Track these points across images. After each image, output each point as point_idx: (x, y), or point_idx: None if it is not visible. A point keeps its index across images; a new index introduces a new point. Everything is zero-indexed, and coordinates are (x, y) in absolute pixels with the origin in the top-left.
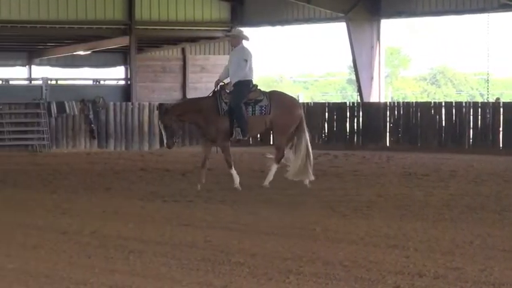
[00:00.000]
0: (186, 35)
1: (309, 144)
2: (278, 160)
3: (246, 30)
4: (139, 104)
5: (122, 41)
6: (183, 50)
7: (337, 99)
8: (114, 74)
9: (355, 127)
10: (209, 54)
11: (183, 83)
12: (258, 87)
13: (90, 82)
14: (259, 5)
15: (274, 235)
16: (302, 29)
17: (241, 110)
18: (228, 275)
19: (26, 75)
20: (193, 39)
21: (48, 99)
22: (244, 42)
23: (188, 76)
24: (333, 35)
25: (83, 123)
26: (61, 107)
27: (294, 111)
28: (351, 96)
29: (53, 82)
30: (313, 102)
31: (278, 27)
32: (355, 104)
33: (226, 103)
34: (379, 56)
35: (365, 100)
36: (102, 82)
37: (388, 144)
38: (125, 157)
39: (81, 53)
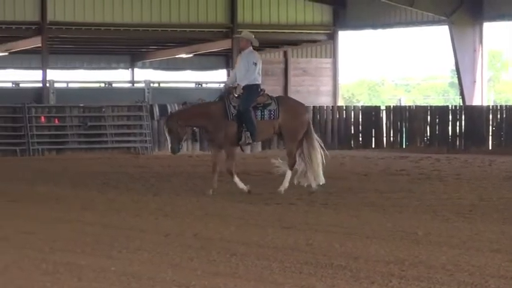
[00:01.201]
0: (288, 38)
1: (321, 148)
2: (291, 166)
3: (348, 33)
4: None
5: (224, 44)
6: (285, 53)
7: (439, 102)
8: (216, 77)
9: (457, 130)
10: (311, 57)
11: (285, 86)
12: (266, 92)
13: (193, 85)
14: (362, 8)
15: (377, 238)
16: (404, 32)
17: (250, 113)
18: (330, 278)
19: (128, 78)
20: (295, 43)
21: (151, 101)
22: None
23: (290, 79)
24: (435, 38)
25: None
26: (163, 109)
27: (302, 115)
28: (453, 99)
29: (156, 85)
30: (415, 106)
31: (380, 31)
32: (458, 108)
33: (234, 107)
34: (481, 59)
35: (467, 103)
36: (204, 85)
37: (490, 148)
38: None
39: (184, 55)
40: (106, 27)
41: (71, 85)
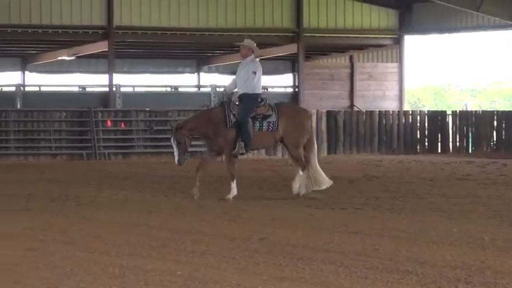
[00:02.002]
0: (353, 43)
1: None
2: (303, 168)
3: (413, 38)
4: None
5: (290, 49)
6: (350, 58)
7: (505, 107)
8: (282, 81)
9: None
10: (377, 61)
11: (350, 90)
12: (268, 102)
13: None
14: (428, 12)
15: (443, 243)
16: (470, 36)
17: (247, 124)
18: (396, 283)
19: (194, 83)
20: (361, 47)
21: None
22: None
23: (356, 84)
24: (502, 42)
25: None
26: None
27: (304, 123)
28: None
29: (221, 89)
30: (482, 110)
31: (446, 35)
32: None
33: (234, 115)
34: None
35: None
36: (270, 89)
37: None
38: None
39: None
40: (172, 31)
41: (137, 89)
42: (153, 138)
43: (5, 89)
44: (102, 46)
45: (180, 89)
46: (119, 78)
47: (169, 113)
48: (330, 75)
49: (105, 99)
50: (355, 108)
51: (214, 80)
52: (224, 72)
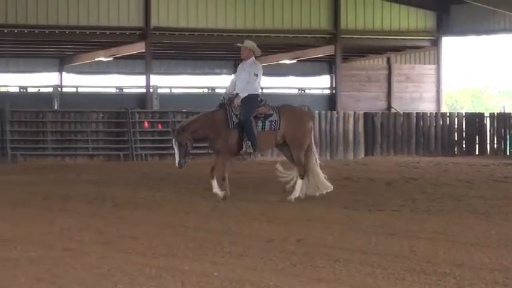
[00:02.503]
0: (391, 44)
1: (317, 158)
2: (302, 175)
3: (451, 40)
4: (344, 113)
5: (327, 50)
6: (388, 59)
7: None
8: (319, 83)
9: None
10: (414, 63)
11: (388, 92)
12: (267, 102)
13: (295, 91)
14: (465, 14)
15: (481, 246)
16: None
17: (251, 123)
18: (433, 285)
19: None
20: (399, 49)
21: None
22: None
23: (393, 85)
24: None
25: None
26: None
27: (305, 124)
28: None
29: None
30: None
31: (484, 37)
32: None
33: (236, 116)
34: None
35: None
36: (307, 91)
37: None
38: (330, 166)
39: (287, 61)
40: (209, 32)
41: (174, 90)
42: None
43: (42, 89)
44: (139, 47)
45: (217, 90)
46: (156, 79)
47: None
48: (367, 77)
49: (142, 100)
50: (393, 110)
51: None
52: (263, 73)
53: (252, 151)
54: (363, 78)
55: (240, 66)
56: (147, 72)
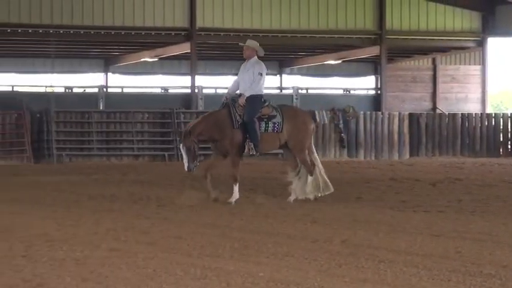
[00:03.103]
0: (436, 45)
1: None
2: (311, 171)
3: (497, 40)
4: (389, 114)
5: (372, 51)
6: (433, 60)
7: None
8: (364, 84)
9: None
10: (459, 64)
11: (433, 93)
12: (271, 103)
13: (340, 91)
14: (511, 15)
15: None
16: None
17: (255, 124)
18: (478, 286)
19: (277, 84)
20: (444, 49)
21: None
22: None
23: (438, 86)
24: None
25: (333, 132)
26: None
27: (307, 126)
28: None
29: (303, 91)
30: None
31: None
32: None
33: (240, 116)
34: None
35: None
36: (352, 91)
37: None
38: (375, 166)
39: (332, 62)
40: (254, 33)
41: (219, 91)
42: None
43: (88, 90)
44: (184, 48)
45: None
46: (201, 80)
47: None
48: (413, 78)
49: (187, 100)
50: (438, 111)
51: (296, 82)
52: (306, 74)
53: (254, 153)
54: (408, 78)
55: (242, 66)
56: (192, 72)
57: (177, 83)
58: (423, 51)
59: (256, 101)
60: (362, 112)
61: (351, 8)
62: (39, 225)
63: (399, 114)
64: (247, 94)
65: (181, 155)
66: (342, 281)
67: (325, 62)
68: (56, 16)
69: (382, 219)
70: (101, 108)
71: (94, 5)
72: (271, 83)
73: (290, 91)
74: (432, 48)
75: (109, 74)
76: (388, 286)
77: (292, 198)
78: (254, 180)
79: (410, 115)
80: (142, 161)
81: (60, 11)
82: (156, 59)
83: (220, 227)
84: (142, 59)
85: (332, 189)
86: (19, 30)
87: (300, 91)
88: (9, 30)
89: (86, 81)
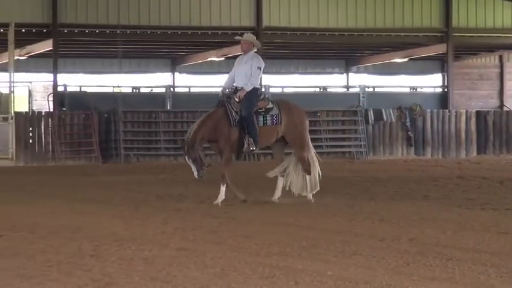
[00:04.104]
0: (503, 42)
1: (315, 157)
2: (308, 171)
3: None
4: (456, 112)
5: (439, 49)
6: (500, 57)
7: None
8: (431, 82)
9: None
10: None
11: (500, 90)
12: (266, 96)
13: (407, 89)
14: None
15: None
16: None
17: (253, 118)
18: None
19: (343, 83)
20: (511, 47)
21: (366, 106)
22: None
23: (505, 84)
24: None
25: (400, 130)
26: (378, 114)
27: (303, 120)
28: None
29: (370, 89)
30: None
31: None
32: None
33: (236, 112)
34: None
35: None
36: (418, 89)
37: None
38: (442, 164)
39: (398, 60)
40: (321, 32)
41: (286, 90)
42: None
43: (155, 90)
44: None
45: (328, 90)
46: (268, 79)
47: (318, 114)
48: (479, 75)
49: None
50: (505, 109)
51: (363, 81)
52: (373, 72)
53: (254, 148)
54: (475, 76)
55: (238, 59)
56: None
57: None
58: (490, 49)
59: (253, 94)
60: (429, 110)
61: (417, 6)
62: (107, 224)
63: (466, 112)
64: (247, 88)
65: (189, 164)
66: (410, 279)
67: (391, 60)
68: (122, 17)
69: (449, 217)
70: (168, 108)
71: (161, 5)
72: (338, 82)
73: (357, 89)
74: (499, 45)
75: (176, 73)
76: (456, 284)
77: (276, 196)
78: (323, 179)
79: (478, 113)
80: (210, 160)
81: (127, 12)
82: (223, 59)
83: (288, 225)
84: (208, 59)
85: (317, 188)
86: (86, 31)
87: (366, 89)
88: (76, 31)
89: (153, 81)
